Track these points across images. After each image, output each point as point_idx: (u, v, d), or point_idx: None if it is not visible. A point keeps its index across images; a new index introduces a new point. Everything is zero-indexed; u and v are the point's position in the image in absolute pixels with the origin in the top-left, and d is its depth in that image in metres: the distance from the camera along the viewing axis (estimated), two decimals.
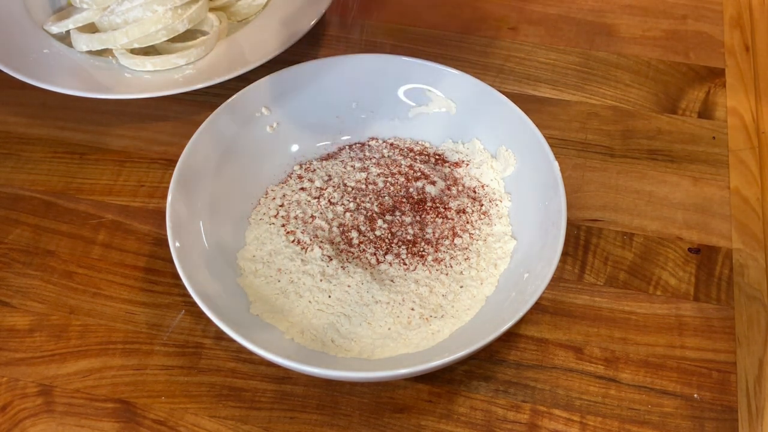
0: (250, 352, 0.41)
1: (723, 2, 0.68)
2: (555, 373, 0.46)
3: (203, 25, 0.62)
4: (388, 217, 0.50)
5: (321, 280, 0.47)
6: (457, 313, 0.46)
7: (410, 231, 0.49)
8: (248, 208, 0.51)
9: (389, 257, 0.48)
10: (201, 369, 0.47)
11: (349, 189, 0.51)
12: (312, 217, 0.50)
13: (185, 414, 0.45)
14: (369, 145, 0.54)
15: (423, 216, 0.50)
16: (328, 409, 0.45)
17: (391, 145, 0.54)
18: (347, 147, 0.54)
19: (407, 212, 0.50)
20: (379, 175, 0.52)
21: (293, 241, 0.48)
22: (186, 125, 0.59)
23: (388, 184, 0.51)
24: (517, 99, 0.51)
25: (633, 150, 0.57)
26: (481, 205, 0.51)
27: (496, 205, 0.51)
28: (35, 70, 0.59)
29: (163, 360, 0.47)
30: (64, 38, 0.63)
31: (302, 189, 0.52)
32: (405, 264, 0.48)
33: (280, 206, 0.51)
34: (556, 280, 0.50)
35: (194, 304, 0.42)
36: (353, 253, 0.48)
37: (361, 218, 0.50)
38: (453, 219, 0.50)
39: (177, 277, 0.43)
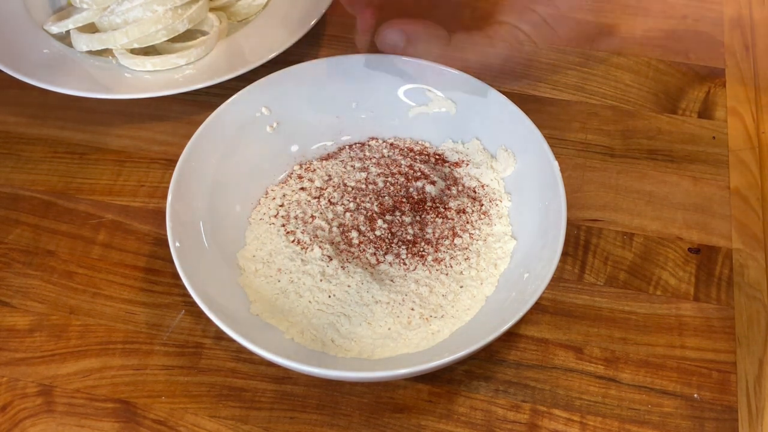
0: (250, 352, 0.41)
1: (723, 2, 0.68)
2: (555, 373, 0.46)
3: (203, 25, 0.62)
4: (388, 217, 0.50)
5: (321, 280, 0.47)
6: (457, 313, 0.46)
7: (410, 231, 0.49)
8: (248, 208, 0.51)
9: (389, 257, 0.48)
10: (201, 369, 0.47)
11: (349, 189, 0.51)
12: (312, 217, 0.50)
13: (185, 414, 0.45)
14: (369, 145, 0.54)
15: (423, 216, 0.50)
16: (328, 409, 0.45)
17: (391, 145, 0.54)
18: (347, 147, 0.54)
19: (407, 212, 0.50)
20: (379, 175, 0.52)
21: (293, 241, 0.49)
22: (186, 125, 0.59)
23: (388, 184, 0.51)
24: (517, 99, 0.51)
25: (633, 150, 0.57)
26: (481, 205, 0.51)
27: (496, 205, 0.51)
28: (35, 70, 0.59)
29: (163, 360, 0.47)
30: (64, 38, 0.63)
31: (302, 189, 0.52)
32: (405, 264, 0.48)
33: (280, 206, 0.51)
34: (556, 280, 0.50)
35: (194, 304, 0.42)
36: (353, 253, 0.48)
37: (361, 218, 0.50)
38: (453, 219, 0.50)
39: (177, 277, 0.43)
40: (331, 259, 0.47)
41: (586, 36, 0.31)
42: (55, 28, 0.62)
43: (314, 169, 0.53)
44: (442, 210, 0.50)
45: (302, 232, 0.49)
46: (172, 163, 0.49)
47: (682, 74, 0.62)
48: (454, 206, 0.50)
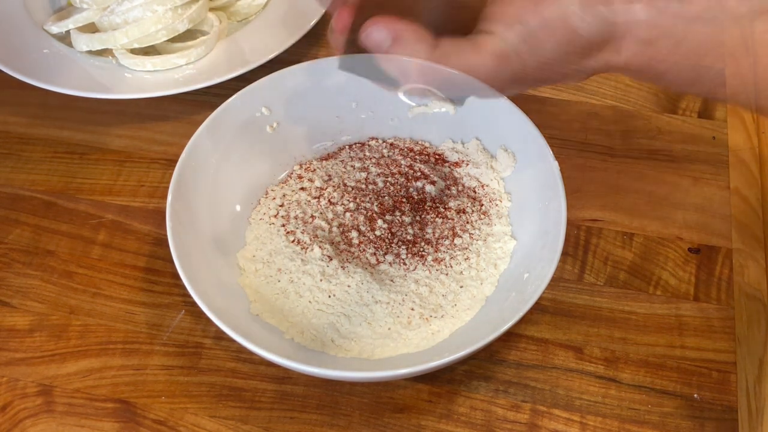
0: (250, 352, 0.41)
1: None
2: (555, 373, 0.46)
3: (203, 25, 0.62)
4: (388, 217, 0.50)
5: (321, 280, 0.47)
6: (457, 313, 0.46)
7: (410, 231, 0.49)
8: (248, 208, 0.51)
9: (389, 257, 0.48)
10: (201, 369, 0.47)
11: (349, 189, 0.51)
12: (312, 217, 0.50)
13: (185, 414, 0.45)
14: (369, 145, 0.54)
15: (423, 216, 0.50)
16: (328, 409, 0.45)
17: (391, 145, 0.54)
18: (347, 147, 0.54)
19: (407, 212, 0.50)
20: (379, 174, 0.52)
21: (293, 241, 0.49)
22: (186, 125, 0.59)
23: (388, 184, 0.51)
24: (517, 99, 0.51)
25: (633, 150, 0.57)
26: (481, 205, 0.51)
27: (496, 205, 0.51)
28: (35, 70, 0.59)
29: (163, 360, 0.47)
30: (64, 38, 0.63)
31: (302, 189, 0.52)
32: (405, 264, 0.48)
33: (280, 206, 0.51)
34: (556, 280, 0.50)
35: (194, 304, 0.42)
36: (353, 253, 0.48)
37: (361, 218, 0.50)
38: (453, 219, 0.50)
39: (177, 277, 0.43)
40: (331, 259, 0.47)
41: (575, 50, 0.31)
42: (55, 28, 0.62)
43: (314, 169, 0.53)
44: (442, 210, 0.50)
45: (302, 232, 0.49)
46: (172, 163, 0.49)
47: None
48: (454, 206, 0.50)
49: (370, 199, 0.51)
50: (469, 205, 0.50)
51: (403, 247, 0.48)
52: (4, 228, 0.54)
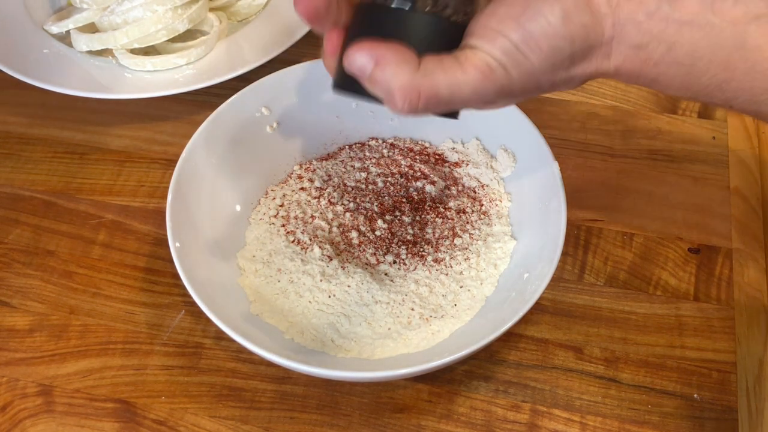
0: (250, 352, 0.41)
1: None
2: (555, 373, 0.46)
3: (203, 25, 0.62)
4: (388, 217, 0.50)
5: (321, 280, 0.47)
6: (457, 313, 0.46)
7: (410, 231, 0.49)
8: (248, 208, 0.51)
9: (389, 257, 0.48)
10: (201, 369, 0.47)
11: (349, 189, 0.51)
12: (312, 217, 0.50)
13: (185, 414, 0.45)
14: (369, 145, 0.54)
15: (423, 216, 0.50)
16: (328, 409, 0.45)
17: (391, 145, 0.54)
18: (347, 147, 0.54)
19: (407, 212, 0.50)
20: (378, 175, 0.52)
21: (293, 241, 0.49)
22: (186, 125, 0.59)
23: (387, 184, 0.51)
24: None
25: (633, 150, 0.57)
26: (481, 205, 0.51)
27: (496, 205, 0.51)
28: (35, 70, 0.59)
29: (163, 360, 0.47)
30: (64, 38, 0.63)
31: (302, 189, 0.52)
32: (405, 264, 0.48)
33: (280, 206, 0.51)
34: (556, 280, 0.50)
35: (194, 304, 0.42)
36: (353, 253, 0.48)
37: (361, 218, 0.50)
38: (453, 219, 0.50)
39: (177, 277, 0.43)
40: (331, 259, 0.47)
41: (561, 60, 0.30)
42: (55, 28, 0.62)
43: (314, 169, 0.53)
44: (442, 210, 0.50)
45: (302, 232, 0.49)
46: (172, 163, 0.49)
47: None
48: (454, 206, 0.50)
49: (370, 199, 0.50)
50: (469, 205, 0.50)
51: (403, 247, 0.48)
52: (4, 228, 0.54)
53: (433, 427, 0.44)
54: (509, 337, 0.48)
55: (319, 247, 0.48)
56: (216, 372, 0.47)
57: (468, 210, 0.50)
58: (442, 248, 0.48)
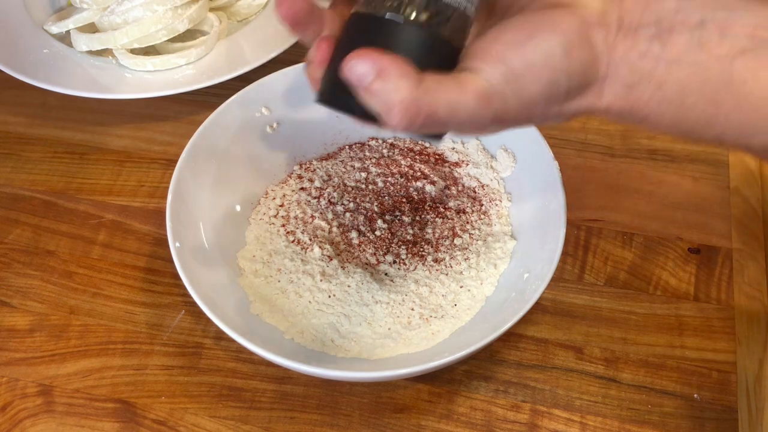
0: (250, 352, 0.41)
1: None
2: (555, 373, 0.46)
3: (203, 25, 0.63)
4: (388, 217, 0.50)
5: (321, 280, 0.47)
6: (457, 313, 0.46)
7: (410, 231, 0.49)
8: (248, 208, 0.51)
9: (389, 257, 0.48)
10: (201, 369, 0.47)
11: (349, 189, 0.51)
12: (312, 216, 0.50)
13: (185, 414, 0.45)
14: (369, 145, 0.54)
15: (423, 216, 0.50)
16: (328, 409, 0.45)
17: (391, 144, 0.54)
18: (347, 147, 0.54)
19: (407, 212, 0.50)
20: (378, 174, 0.52)
21: (293, 241, 0.49)
22: (186, 125, 0.59)
23: (387, 184, 0.51)
24: None
25: (633, 150, 0.57)
26: (481, 205, 0.51)
27: (496, 205, 0.51)
28: (35, 70, 0.59)
29: (163, 360, 0.47)
30: (64, 38, 0.63)
31: (302, 189, 0.52)
32: (405, 264, 0.48)
33: (280, 206, 0.51)
34: (556, 280, 0.50)
35: (194, 304, 0.42)
36: (353, 253, 0.48)
37: (361, 218, 0.50)
38: (453, 219, 0.50)
39: (177, 277, 0.43)
40: (331, 259, 0.47)
41: (558, 93, 0.30)
42: (55, 28, 0.62)
43: (314, 169, 0.53)
44: (442, 210, 0.50)
45: (302, 232, 0.49)
46: (172, 163, 0.49)
47: None
48: (454, 206, 0.50)
49: (370, 199, 0.51)
50: (469, 205, 0.50)
51: (403, 247, 0.48)
52: (4, 228, 0.54)
53: (433, 427, 0.44)
54: (509, 337, 0.48)
55: (319, 247, 0.48)
56: (216, 372, 0.47)
57: (468, 210, 0.50)
58: (442, 248, 0.48)
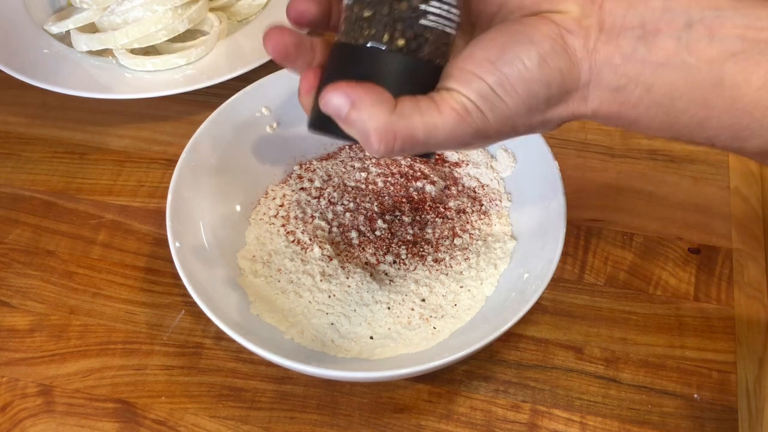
0: (250, 352, 0.41)
1: None
2: (555, 373, 0.46)
3: (203, 25, 0.63)
4: (388, 217, 0.50)
5: (321, 280, 0.47)
6: (457, 313, 0.46)
7: (410, 231, 0.49)
8: (248, 208, 0.51)
9: (389, 257, 0.48)
10: (201, 369, 0.47)
11: (349, 189, 0.51)
12: (312, 217, 0.50)
13: (185, 414, 0.45)
14: None
15: (423, 216, 0.50)
16: (328, 409, 0.45)
17: None
18: (347, 147, 0.54)
19: (407, 212, 0.50)
20: (378, 175, 0.52)
21: (293, 241, 0.49)
22: (186, 125, 0.59)
23: (387, 184, 0.51)
24: None
25: (633, 150, 0.57)
26: (481, 205, 0.51)
27: (496, 205, 0.51)
28: (35, 70, 0.59)
29: (163, 360, 0.47)
30: (64, 38, 0.63)
31: (302, 189, 0.52)
32: (405, 264, 0.48)
33: (280, 206, 0.51)
34: (556, 280, 0.50)
35: (194, 304, 0.42)
36: (353, 253, 0.48)
37: (361, 218, 0.50)
38: (453, 219, 0.50)
39: (177, 277, 0.43)
40: (331, 259, 0.47)
41: (537, 104, 0.30)
42: (55, 28, 0.62)
43: (314, 169, 0.53)
44: (442, 210, 0.50)
45: (302, 232, 0.49)
46: (172, 163, 0.49)
47: None
48: (454, 206, 0.50)
49: (370, 199, 0.51)
50: (469, 205, 0.50)
51: (403, 247, 0.48)
52: (4, 228, 0.54)
53: (433, 427, 0.44)
54: (509, 337, 0.48)
55: (319, 247, 0.48)
56: (216, 372, 0.47)
57: (468, 210, 0.50)
58: (442, 248, 0.48)
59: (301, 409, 0.45)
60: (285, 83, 0.53)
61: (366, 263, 0.48)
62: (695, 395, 0.45)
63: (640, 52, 0.30)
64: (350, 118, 0.30)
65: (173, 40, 0.61)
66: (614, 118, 0.32)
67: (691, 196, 0.54)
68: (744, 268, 0.51)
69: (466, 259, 0.48)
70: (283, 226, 0.50)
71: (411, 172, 0.52)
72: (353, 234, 0.49)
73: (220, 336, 0.48)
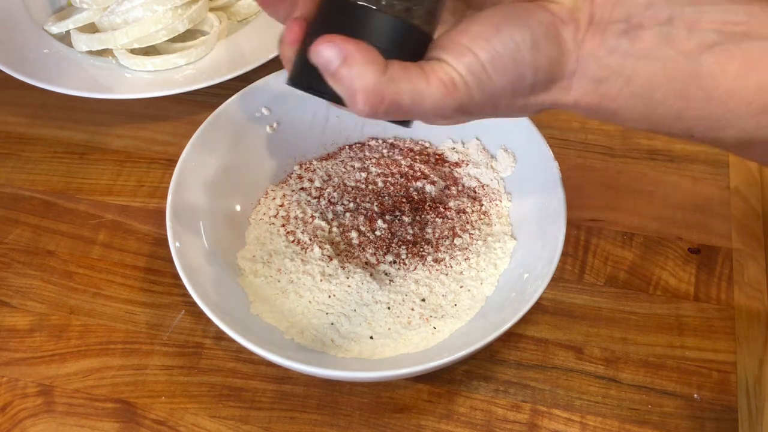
0: (250, 352, 0.41)
1: None
2: (555, 373, 0.46)
3: (203, 25, 0.63)
4: (388, 217, 0.50)
5: (321, 280, 0.47)
6: (457, 313, 0.46)
7: (410, 231, 0.49)
8: (248, 208, 0.51)
9: (389, 257, 0.48)
10: (201, 369, 0.47)
11: (349, 189, 0.51)
12: (312, 216, 0.50)
13: (185, 414, 0.45)
14: (369, 145, 0.54)
15: (423, 216, 0.50)
16: (328, 409, 0.45)
17: (391, 145, 0.54)
18: (347, 147, 0.54)
19: (407, 212, 0.50)
20: (378, 175, 0.52)
21: (293, 241, 0.49)
22: (186, 125, 0.59)
23: (387, 184, 0.51)
24: None
25: (633, 150, 0.57)
26: (481, 205, 0.51)
27: (496, 205, 0.51)
28: (35, 70, 0.59)
29: (163, 360, 0.47)
30: (64, 38, 0.63)
31: (302, 189, 0.52)
32: (405, 264, 0.48)
33: (280, 206, 0.51)
34: (556, 280, 0.50)
35: (194, 304, 0.42)
36: (353, 253, 0.48)
37: (361, 218, 0.50)
38: (453, 219, 0.50)
39: (177, 277, 0.43)
40: (331, 259, 0.47)
41: (523, 87, 0.31)
42: (55, 28, 0.62)
43: (314, 169, 0.53)
44: (442, 210, 0.50)
45: (302, 232, 0.49)
46: (172, 163, 0.49)
47: None
48: (454, 206, 0.50)
49: (370, 199, 0.51)
50: (469, 205, 0.50)
51: (403, 247, 0.48)
52: (4, 228, 0.54)
53: (433, 427, 0.44)
54: (509, 337, 0.48)
55: (319, 247, 0.48)
56: (216, 372, 0.47)
57: (468, 210, 0.50)
58: (442, 248, 0.48)
59: (301, 409, 0.45)
60: (285, 83, 0.53)
61: (366, 263, 0.48)
62: (695, 395, 0.45)
63: (623, 45, 0.30)
64: (339, 73, 0.30)
65: (173, 40, 0.61)
66: (595, 109, 0.32)
67: (691, 196, 0.54)
68: (744, 268, 0.51)
69: (466, 259, 0.48)
70: (283, 226, 0.50)
71: (411, 172, 0.52)
72: (353, 234, 0.49)
73: (220, 336, 0.48)
